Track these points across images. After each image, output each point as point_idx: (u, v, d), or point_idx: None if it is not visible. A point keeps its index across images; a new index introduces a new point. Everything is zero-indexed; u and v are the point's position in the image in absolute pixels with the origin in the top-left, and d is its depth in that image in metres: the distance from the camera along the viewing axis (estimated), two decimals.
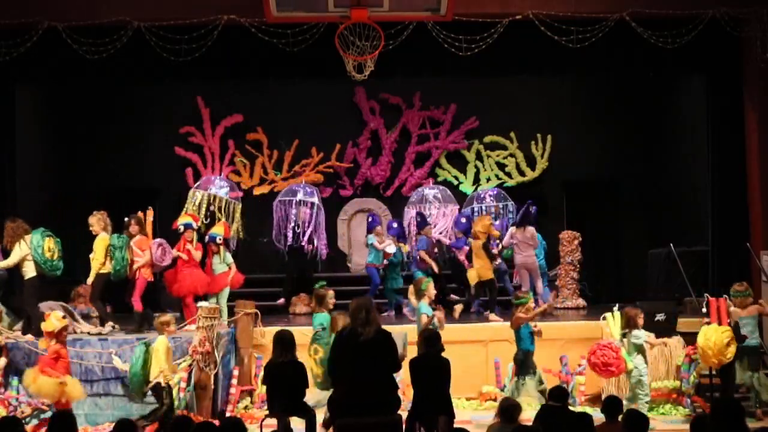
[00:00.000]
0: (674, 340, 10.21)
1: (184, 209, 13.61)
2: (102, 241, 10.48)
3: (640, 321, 9.47)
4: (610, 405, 6.86)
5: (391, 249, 12.67)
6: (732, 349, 9.09)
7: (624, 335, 9.59)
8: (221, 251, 11.48)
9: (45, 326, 8.73)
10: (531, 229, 12.72)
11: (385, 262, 12.72)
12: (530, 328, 9.63)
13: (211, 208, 13.83)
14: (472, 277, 12.12)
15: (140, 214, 11.12)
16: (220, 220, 13.48)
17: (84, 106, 14.74)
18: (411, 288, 9.91)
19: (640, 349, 9.41)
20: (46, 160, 14.38)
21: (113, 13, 11.74)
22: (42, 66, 12.36)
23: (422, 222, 13.22)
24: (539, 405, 8.69)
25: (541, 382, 9.61)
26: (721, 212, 12.51)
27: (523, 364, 9.55)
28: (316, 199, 13.91)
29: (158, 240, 11.16)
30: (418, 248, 12.88)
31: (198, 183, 14.21)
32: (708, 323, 9.40)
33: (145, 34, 11.77)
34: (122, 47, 11.75)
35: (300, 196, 13.81)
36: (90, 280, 10.55)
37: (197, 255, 11.30)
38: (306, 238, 13.54)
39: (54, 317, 8.75)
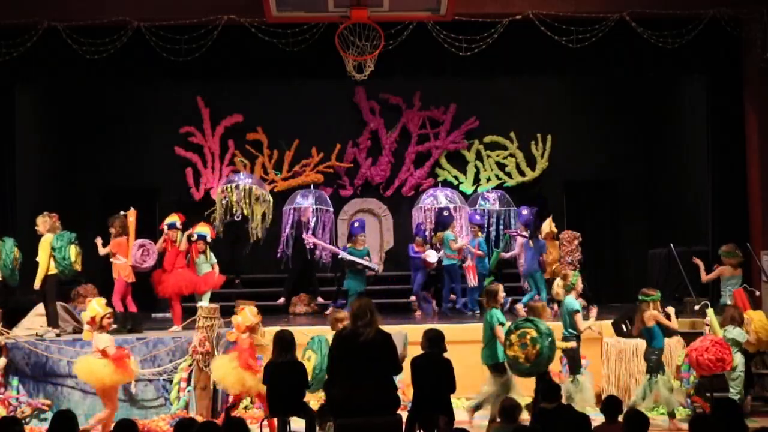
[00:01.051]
0: (674, 340, 10.20)
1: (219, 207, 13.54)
2: (44, 242, 10.43)
3: (740, 319, 9.51)
4: (610, 405, 6.85)
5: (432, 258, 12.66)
6: None
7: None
8: (207, 251, 11.33)
9: (243, 320, 8.95)
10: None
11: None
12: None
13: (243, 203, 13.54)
14: None
15: (124, 213, 11.08)
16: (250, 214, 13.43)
17: (84, 106, 14.75)
18: (558, 281, 9.76)
19: (739, 346, 9.44)
20: (46, 160, 14.37)
21: (113, 13, 11.75)
22: (42, 66, 12.36)
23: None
24: (675, 404, 8.96)
25: (670, 380, 9.51)
26: (721, 212, 12.52)
27: (658, 362, 9.44)
28: (316, 202, 13.79)
29: (140, 241, 11.08)
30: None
31: (225, 182, 13.82)
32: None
33: (145, 34, 11.77)
34: (122, 47, 11.75)
35: (305, 198, 13.65)
36: (36, 283, 10.43)
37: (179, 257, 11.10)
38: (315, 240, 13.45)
39: (249, 312, 9.01)
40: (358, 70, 11.69)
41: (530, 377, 8.79)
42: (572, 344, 9.34)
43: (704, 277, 11.03)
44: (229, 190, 13.48)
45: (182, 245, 11.10)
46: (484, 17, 11.94)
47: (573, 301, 9.39)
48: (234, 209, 13.44)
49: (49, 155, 14.50)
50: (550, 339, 8.62)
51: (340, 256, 12.81)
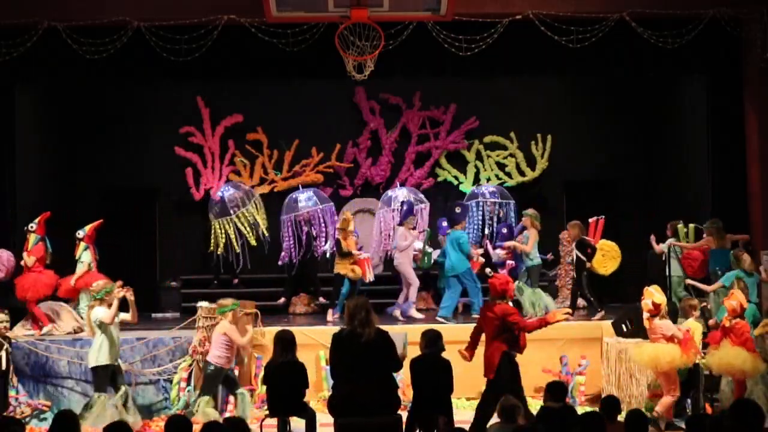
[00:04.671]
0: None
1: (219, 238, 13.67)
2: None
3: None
4: (610, 405, 6.84)
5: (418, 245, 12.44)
6: None
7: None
8: (80, 248, 11.12)
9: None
10: (400, 229, 12.56)
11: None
12: None
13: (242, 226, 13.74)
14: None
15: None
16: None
17: (84, 106, 14.73)
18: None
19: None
20: (46, 160, 14.37)
21: (113, 13, 11.76)
22: (42, 66, 12.38)
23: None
24: None
25: None
26: (721, 212, 12.50)
27: None
28: (311, 202, 13.77)
29: None
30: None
31: (221, 206, 13.86)
32: None
33: (145, 34, 11.78)
34: (122, 47, 11.77)
35: (302, 202, 13.63)
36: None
37: (30, 260, 10.84)
38: (318, 240, 13.43)
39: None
40: (358, 70, 11.69)
41: None
42: None
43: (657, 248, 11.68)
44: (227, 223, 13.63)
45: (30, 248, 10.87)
46: (484, 17, 11.95)
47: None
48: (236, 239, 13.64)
49: (49, 155, 14.49)
50: None
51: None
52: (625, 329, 10.20)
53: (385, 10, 11.57)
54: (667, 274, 11.41)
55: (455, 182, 15.15)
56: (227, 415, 9.38)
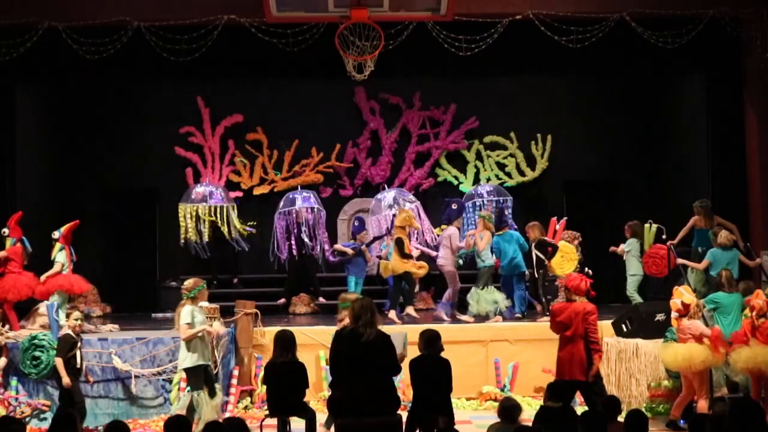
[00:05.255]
0: None
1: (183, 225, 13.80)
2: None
3: None
4: (610, 405, 6.84)
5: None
6: None
7: None
8: (55, 249, 10.98)
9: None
10: (452, 230, 12.49)
11: None
12: None
13: (204, 218, 13.82)
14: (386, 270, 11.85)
15: None
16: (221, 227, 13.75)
17: (84, 106, 14.74)
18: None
19: None
20: (46, 160, 14.37)
21: (113, 13, 11.77)
22: (42, 66, 12.39)
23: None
24: None
25: None
26: (721, 212, 12.49)
27: None
28: (314, 204, 13.79)
29: None
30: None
31: (188, 195, 14.06)
32: None
33: (145, 34, 11.78)
34: (122, 47, 11.77)
35: (299, 203, 13.67)
36: None
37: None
38: (312, 242, 13.43)
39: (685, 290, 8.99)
40: (358, 70, 11.70)
41: None
42: None
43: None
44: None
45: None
46: (484, 17, 11.95)
47: None
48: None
49: (49, 155, 14.50)
50: None
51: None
52: (625, 329, 10.20)
53: (385, 10, 11.57)
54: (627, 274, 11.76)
55: (455, 182, 15.15)
56: (227, 415, 9.39)
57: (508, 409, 6.71)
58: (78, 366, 8.95)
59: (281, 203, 13.73)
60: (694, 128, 13.56)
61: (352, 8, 11.41)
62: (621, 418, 6.58)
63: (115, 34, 11.73)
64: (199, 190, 14.12)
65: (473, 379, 10.26)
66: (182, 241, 13.88)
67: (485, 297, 11.39)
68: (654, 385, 9.71)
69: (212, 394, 8.75)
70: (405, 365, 7.60)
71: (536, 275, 11.55)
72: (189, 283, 8.91)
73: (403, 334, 8.70)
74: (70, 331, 8.91)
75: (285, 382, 7.69)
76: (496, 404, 7.93)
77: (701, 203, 11.57)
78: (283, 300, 13.31)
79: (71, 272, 11.02)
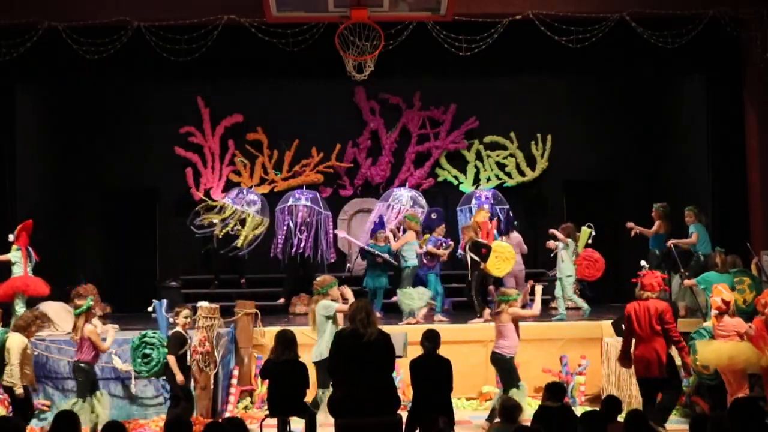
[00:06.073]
0: None
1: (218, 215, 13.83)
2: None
3: None
4: (610, 405, 6.84)
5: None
6: None
7: None
8: (12, 251, 10.84)
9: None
10: (516, 236, 12.68)
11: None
12: None
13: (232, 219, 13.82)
14: None
15: None
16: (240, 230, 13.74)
17: (84, 106, 14.74)
18: None
19: None
20: (46, 160, 14.36)
21: (113, 13, 11.76)
22: (42, 66, 12.37)
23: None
24: None
25: None
26: (721, 212, 12.52)
27: None
28: (309, 202, 13.78)
29: None
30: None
31: (232, 195, 14.17)
32: None
33: (145, 34, 11.77)
34: (122, 47, 11.76)
35: (298, 200, 13.66)
36: None
37: None
38: (308, 243, 13.43)
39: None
40: (358, 70, 11.70)
41: None
42: None
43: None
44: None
45: None
46: (484, 17, 11.94)
47: None
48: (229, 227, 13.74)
49: (49, 155, 14.49)
50: None
51: (365, 248, 12.54)
52: (624, 329, 10.18)
53: (385, 10, 11.56)
54: (558, 274, 11.90)
55: (455, 182, 15.15)
56: (227, 415, 9.40)
57: (508, 409, 6.71)
58: (188, 363, 9.02)
59: (281, 202, 13.74)
60: (694, 128, 13.55)
61: (352, 8, 11.41)
62: (621, 418, 6.58)
63: (115, 34, 11.73)
64: (252, 197, 14.07)
65: (473, 379, 10.26)
66: (239, 244, 13.77)
67: (413, 296, 11.40)
68: None
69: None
70: (405, 365, 7.62)
71: (470, 277, 11.50)
72: (321, 280, 9.12)
73: (403, 334, 8.71)
74: (180, 329, 8.99)
75: (285, 382, 7.70)
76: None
77: (663, 208, 12.05)
78: (282, 300, 13.32)
79: (27, 274, 10.81)
